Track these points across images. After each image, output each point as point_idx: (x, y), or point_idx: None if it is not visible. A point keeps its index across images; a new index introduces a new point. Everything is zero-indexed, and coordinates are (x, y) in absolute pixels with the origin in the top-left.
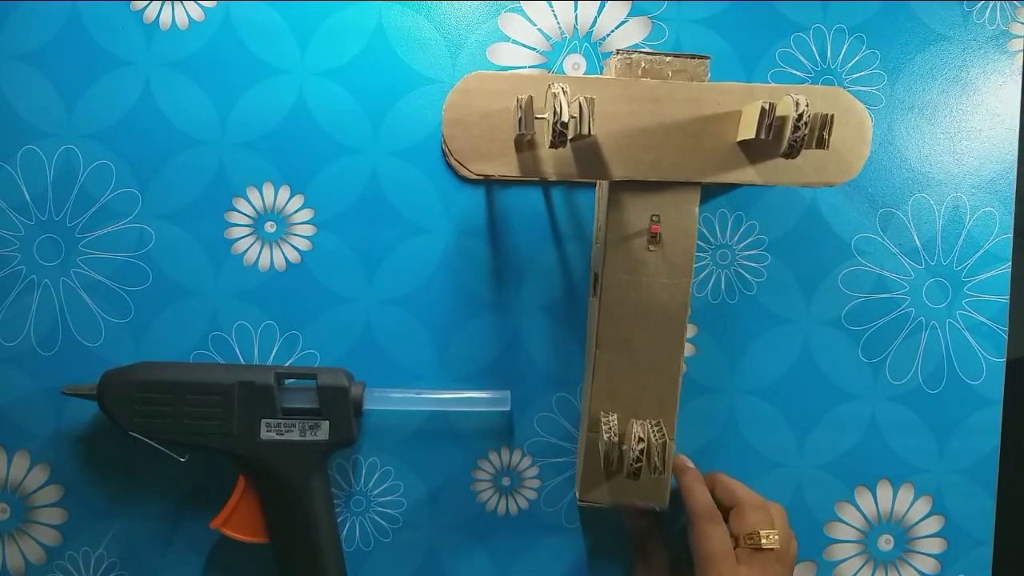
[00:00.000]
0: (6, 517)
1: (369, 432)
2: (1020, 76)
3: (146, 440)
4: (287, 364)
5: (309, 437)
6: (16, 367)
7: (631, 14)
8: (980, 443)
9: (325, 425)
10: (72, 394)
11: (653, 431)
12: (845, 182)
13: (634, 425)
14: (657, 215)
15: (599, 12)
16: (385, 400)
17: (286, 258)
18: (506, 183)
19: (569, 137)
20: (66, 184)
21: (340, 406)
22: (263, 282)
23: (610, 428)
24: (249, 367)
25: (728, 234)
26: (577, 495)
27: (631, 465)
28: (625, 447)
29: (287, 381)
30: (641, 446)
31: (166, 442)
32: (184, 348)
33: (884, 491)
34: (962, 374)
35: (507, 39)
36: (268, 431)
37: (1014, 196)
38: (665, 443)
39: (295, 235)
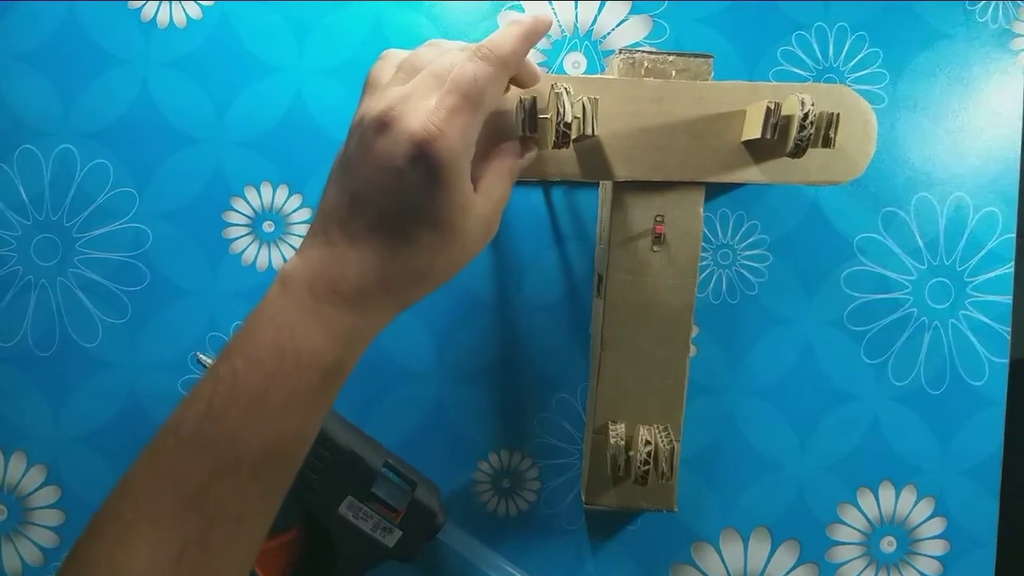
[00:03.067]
0: (3, 519)
1: (369, 432)
2: (1023, 75)
3: None
4: (391, 451)
5: (377, 536)
6: (13, 367)
7: (631, 12)
8: (983, 444)
9: (397, 534)
10: (205, 366)
11: (661, 436)
12: (848, 181)
13: (640, 430)
14: (661, 215)
15: (599, 10)
16: (459, 540)
17: (284, 258)
18: None
19: (572, 138)
20: (63, 184)
21: (419, 526)
22: (261, 282)
23: (617, 434)
24: (367, 440)
25: (729, 234)
26: (583, 499)
27: (638, 469)
28: (632, 452)
29: (387, 470)
30: (648, 448)
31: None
32: (182, 348)
33: (886, 493)
34: (965, 375)
35: None
36: (347, 509)
37: (1017, 196)
38: (673, 448)
39: (293, 235)
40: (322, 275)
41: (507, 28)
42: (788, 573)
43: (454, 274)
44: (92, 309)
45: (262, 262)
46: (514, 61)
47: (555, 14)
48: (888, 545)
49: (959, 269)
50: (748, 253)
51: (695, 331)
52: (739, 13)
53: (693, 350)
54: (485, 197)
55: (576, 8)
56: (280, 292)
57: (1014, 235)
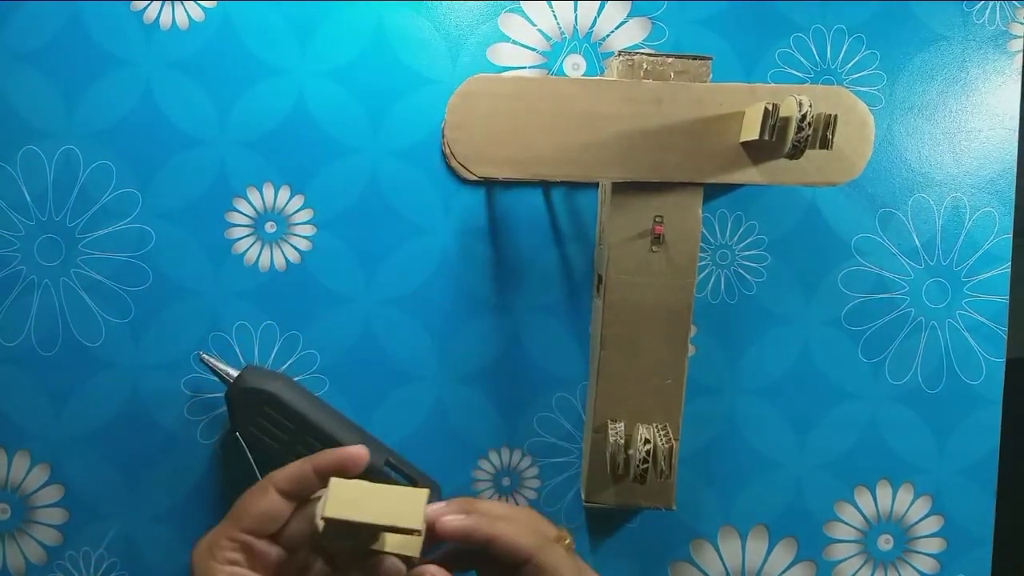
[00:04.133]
0: (7, 517)
1: (371, 430)
2: (1020, 76)
3: (245, 449)
4: (392, 449)
5: None
6: (16, 367)
7: (631, 14)
8: (979, 443)
9: None
10: (208, 365)
11: (659, 434)
12: (846, 182)
13: (640, 428)
14: (660, 216)
15: (599, 12)
16: None
17: (286, 258)
18: (507, 184)
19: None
20: (66, 184)
21: None
22: (263, 282)
23: (616, 432)
24: (369, 438)
25: (728, 234)
26: (583, 497)
27: (637, 467)
28: (631, 451)
29: (388, 468)
30: (647, 447)
31: (262, 463)
32: (184, 348)
33: (884, 491)
34: (962, 374)
35: (507, 39)
36: None
37: (1013, 196)
38: (672, 447)
39: (295, 235)
40: None
41: (306, 457)
42: (786, 571)
43: None
44: (95, 309)
45: (264, 262)
46: (289, 488)
47: (555, 16)
48: (885, 543)
49: (956, 269)
50: (746, 253)
51: (694, 331)
52: (737, 15)
53: (692, 350)
54: None
55: (576, 10)
56: None
57: (1011, 235)
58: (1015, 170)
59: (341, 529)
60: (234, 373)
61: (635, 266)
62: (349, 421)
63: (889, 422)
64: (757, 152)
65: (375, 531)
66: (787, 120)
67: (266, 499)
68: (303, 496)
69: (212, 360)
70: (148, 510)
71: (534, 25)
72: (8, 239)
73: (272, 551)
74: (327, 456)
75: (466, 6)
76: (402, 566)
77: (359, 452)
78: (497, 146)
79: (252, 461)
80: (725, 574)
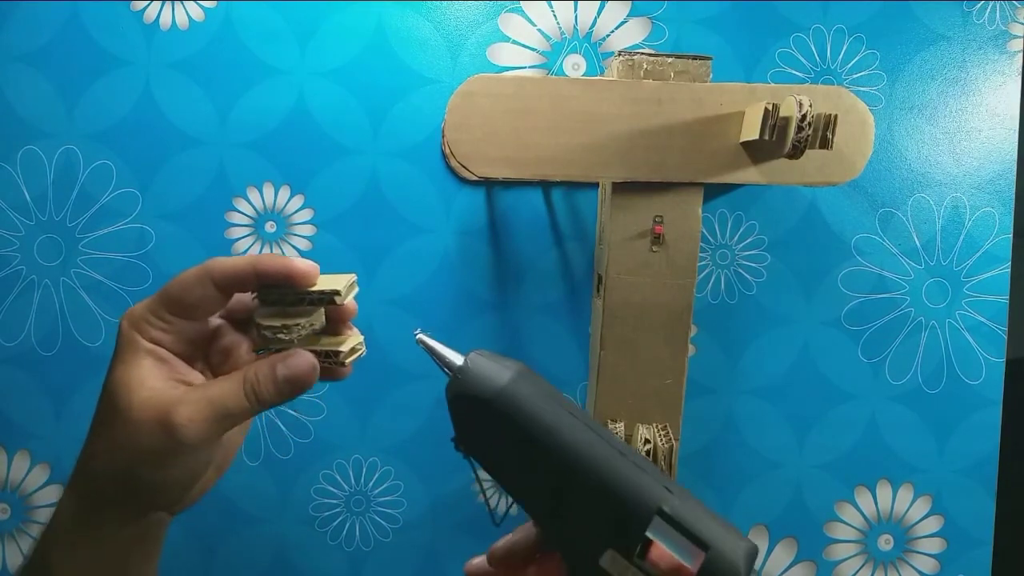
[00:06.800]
0: (6, 517)
1: (369, 432)
2: (1019, 76)
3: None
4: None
5: None
6: (16, 367)
7: (631, 14)
8: (980, 443)
9: None
10: (428, 349)
11: (659, 434)
12: (846, 182)
13: (640, 428)
14: (660, 216)
15: (599, 12)
16: None
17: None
18: (507, 183)
19: None
20: (66, 184)
21: None
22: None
23: (617, 432)
24: (643, 479)
25: (728, 234)
26: None
27: None
28: None
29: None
30: (647, 447)
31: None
32: None
33: (884, 491)
34: (962, 374)
35: (507, 39)
36: (609, 563)
37: (1013, 196)
38: (672, 447)
39: (295, 235)
40: None
41: (251, 257)
42: (786, 571)
43: (121, 468)
44: (95, 309)
45: None
46: (225, 283)
47: (555, 16)
48: (885, 543)
49: (956, 269)
50: (746, 253)
51: (694, 331)
52: (737, 15)
53: (692, 350)
54: (177, 388)
55: (576, 10)
56: None
57: (1011, 235)
58: (1015, 170)
59: (273, 299)
60: (458, 361)
61: (635, 266)
62: (600, 429)
63: (889, 422)
64: (757, 152)
65: (302, 306)
66: (787, 120)
67: (201, 290)
68: (237, 291)
69: (430, 340)
70: None
71: (534, 25)
72: (8, 239)
73: (196, 334)
74: (273, 262)
75: (466, 6)
76: (310, 358)
77: (307, 268)
78: (497, 146)
79: (487, 501)
80: None
